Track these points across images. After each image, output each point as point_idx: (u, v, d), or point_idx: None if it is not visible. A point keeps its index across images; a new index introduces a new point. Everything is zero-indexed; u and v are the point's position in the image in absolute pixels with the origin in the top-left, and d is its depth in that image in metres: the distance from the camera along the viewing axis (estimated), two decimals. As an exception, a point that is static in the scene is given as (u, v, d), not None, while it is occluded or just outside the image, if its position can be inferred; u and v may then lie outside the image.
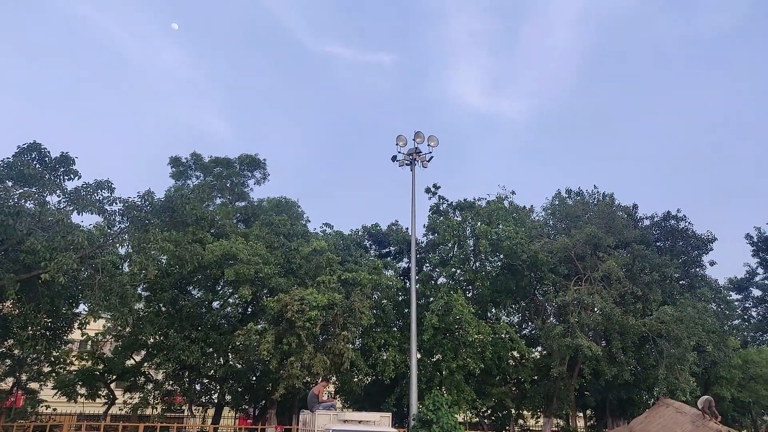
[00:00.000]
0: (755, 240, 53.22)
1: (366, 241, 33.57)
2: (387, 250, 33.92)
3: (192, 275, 27.05)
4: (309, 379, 24.42)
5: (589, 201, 35.39)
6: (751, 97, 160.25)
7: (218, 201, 30.70)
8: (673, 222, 35.21)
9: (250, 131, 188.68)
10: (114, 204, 19.84)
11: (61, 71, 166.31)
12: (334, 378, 27.37)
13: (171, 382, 28.39)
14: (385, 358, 27.66)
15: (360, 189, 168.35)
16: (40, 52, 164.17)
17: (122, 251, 23.30)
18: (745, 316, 50.44)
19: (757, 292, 52.18)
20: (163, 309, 27.30)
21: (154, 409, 30.94)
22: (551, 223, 34.80)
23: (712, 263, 35.58)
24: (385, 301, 29.19)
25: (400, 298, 30.58)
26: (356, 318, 24.58)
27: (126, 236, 20.45)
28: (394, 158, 26.00)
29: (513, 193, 33.49)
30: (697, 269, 35.14)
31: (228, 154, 31.82)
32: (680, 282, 34.42)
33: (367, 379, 29.67)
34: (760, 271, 52.47)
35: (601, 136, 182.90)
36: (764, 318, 51.78)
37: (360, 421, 14.48)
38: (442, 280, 31.43)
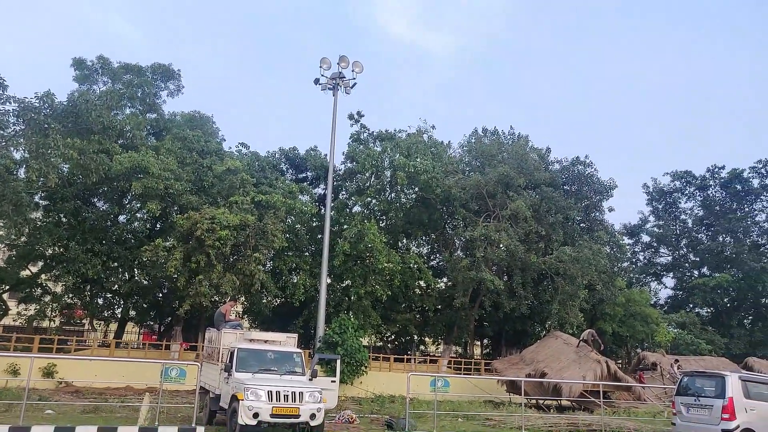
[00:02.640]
0: (651, 190, 57.11)
1: (283, 164, 32.97)
2: (304, 174, 33.55)
3: (97, 186, 25.60)
4: (217, 298, 24.32)
5: (504, 141, 36.34)
6: (677, 51, 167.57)
7: (128, 111, 28.67)
8: (580, 167, 36.89)
9: (164, 38, 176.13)
10: (7, 103, 18.15)
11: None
12: (242, 298, 27.39)
13: (71, 296, 27.32)
14: (295, 281, 27.92)
15: (279, 110, 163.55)
16: None
17: (17, 156, 21.62)
18: (634, 260, 54.73)
19: (646, 238, 56.58)
20: (64, 220, 25.84)
21: (52, 322, 29.84)
22: (467, 160, 35.59)
23: (610, 209, 37.97)
24: (298, 226, 29.14)
25: (314, 224, 30.62)
26: (268, 240, 24.42)
27: (22, 140, 18.90)
28: (316, 81, 25.26)
29: (433, 127, 33.75)
30: (597, 213, 37.40)
31: (140, 62, 29.30)
32: (581, 224, 36.59)
33: (277, 301, 29.96)
34: (651, 218, 56.69)
35: (522, 78, 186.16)
36: (650, 262, 56.49)
37: (266, 341, 14.56)
38: (357, 208, 31.67)
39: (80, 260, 24.07)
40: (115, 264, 26.96)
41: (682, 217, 56.38)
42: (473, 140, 36.35)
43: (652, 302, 45.85)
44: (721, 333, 46.29)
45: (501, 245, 29.82)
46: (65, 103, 20.69)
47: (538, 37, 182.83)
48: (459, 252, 34.04)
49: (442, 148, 33.90)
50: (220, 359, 14.02)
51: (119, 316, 30.28)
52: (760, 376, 16.04)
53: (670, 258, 56.51)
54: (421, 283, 32.38)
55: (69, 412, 13.11)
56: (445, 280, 34.86)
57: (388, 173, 31.02)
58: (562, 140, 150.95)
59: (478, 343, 41.67)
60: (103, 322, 32.91)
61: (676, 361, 26.57)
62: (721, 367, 24.51)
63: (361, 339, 26.81)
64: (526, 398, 20.08)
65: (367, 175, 30.91)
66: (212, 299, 24.01)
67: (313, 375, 13.64)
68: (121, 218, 28.27)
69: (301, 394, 11.99)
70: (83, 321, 31.73)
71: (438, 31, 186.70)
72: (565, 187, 36.30)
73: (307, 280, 27.41)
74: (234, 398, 11.87)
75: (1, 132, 19.23)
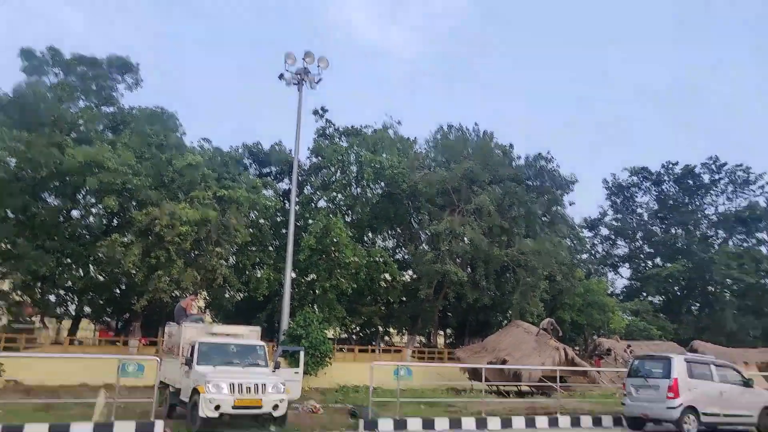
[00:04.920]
0: (610, 185, 58.83)
1: (246, 159, 32.65)
2: (268, 170, 33.31)
3: (47, 181, 24.61)
4: (177, 293, 24.00)
5: (469, 138, 36.81)
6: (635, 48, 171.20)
7: (81, 104, 27.69)
8: (543, 162, 37.61)
9: (118, 29, 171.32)
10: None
11: None
12: (204, 293, 27.08)
13: (20, 293, 26.32)
14: (259, 276, 27.74)
15: (242, 105, 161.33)
16: None
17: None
18: (593, 251, 56.26)
19: (605, 231, 58.23)
20: (11, 215, 24.89)
21: (-1, 320, 28.86)
22: (432, 155, 35.89)
23: (571, 203, 38.97)
24: (262, 220, 28.91)
25: (278, 219, 30.46)
26: (231, 235, 24.18)
27: (-38, 130, 18.19)
28: (281, 76, 24.93)
29: (399, 123, 34.02)
30: (558, 207, 38.27)
31: (95, 54, 28.32)
32: (543, 218, 37.34)
33: (240, 296, 29.73)
34: (610, 212, 58.40)
35: (486, 73, 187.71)
36: (608, 253, 58.15)
37: (228, 334, 14.50)
38: (322, 203, 31.66)
39: (30, 257, 23.10)
40: (69, 260, 26.10)
41: (639, 210, 58.23)
42: (439, 136, 36.66)
43: (609, 292, 47.22)
44: (671, 319, 48.03)
45: (465, 238, 30.21)
46: (11, 95, 19.94)
47: (501, 31, 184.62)
48: (424, 245, 34.35)
49: (408, 144, 34.14)
50: (180, 353, 13.87)
51: (73, 313, 29.46)
52: (703, 357, 16.80)
53: (626, 249, 58.32)
54: (387, 276, 32.56)
55: (18, 410, 12.69)
56: (410, 272, 35.12)
57: (354, 168, 31.08)
58: (527, 135, 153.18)
59: (442, 333, 42.17)
60: (55, 320, 31.97)
61: (629, 346, 27.49)
62: (669, 350, 25.46)
63: (325, 331, 26.84)
64: (487, 384, 20.47)
65: (333, 170, 30.92)
66: (172, 294, 23.66)
67: (276, 367, 13.66)
68: (75, 213, 27.40)
69: (263, 385, 12.01)
70: (33, 319, 30.78)
71: (401, 25, 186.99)
72: (527, 182, 36.95)
73: (271, 274, 27.26)
74: (195, 391, 11.79)
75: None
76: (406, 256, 35.26)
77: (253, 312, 28.66)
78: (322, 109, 32.03)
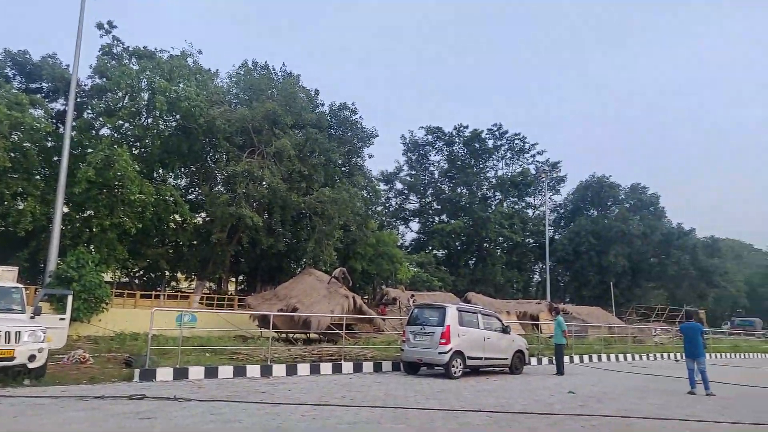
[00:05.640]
0: (407, 141, 62.17)
1: (9, 69, 27.48)
2: (38, 85, 28.45)
3: None
4: None
5: (275, 78, 35.67)
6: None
7: None
8: (347, 113, 38.21)
9: None
10: None
11: None
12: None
13: None
14: (21, 208, 24.03)
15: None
16: None
17: None
18: (387, 204, 59.46)
19: (399, 186, 61.77)
20: None
21: None
22: (234, 92, 34.12)
23: (370, 156, 40.33)
24: (28, 144, 24.78)
25: (49, 144, 26.33)
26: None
27: None
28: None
29: (200, 52, 31.38)
30: (358, 159, 39.38)
31: None
32: (342, 168, 38.12)
33: (-5, 230, 25.53)
34: (405, 168, 61.95)
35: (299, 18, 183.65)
36: (400, 207, 61.99)
37: (-25, 276, 12.32)
38: (105, 131, 28.16)
39: None
40: None
41: (431, 168, 62.81)
42: (242, 72, 34.85)
43: (399, 244, 50.63)
44: (451, 272, 53.44)
45: (264, 182, 29.54)
46: None
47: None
48: (220, 186, 32.89)
49: (208, 76, 31.77)
50: None
51: None
52: (472, 306, 18.80)
53: (417, 205, 62.76)
54: (177, 217, 30.58)
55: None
56: (203, 215, 33.44)
57: (145, 96, 28.00)
58: (338, 85, 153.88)
59: (234, 279, 41.33)
60: None
61: (413, 295, 29.67)
62: (447, 300, 28.07)
63: (103, 274, 24.48)
64: (277, 332, 20.52)
65: (120, 95, 27.50)
66: None
67: (36, 313, 11.98)
68: None
69: (18, 333, 10.47)
70: None
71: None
72: (330, 130, 37.20)
73: (37, 207, 23.70)
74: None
75: None
76: (199, 197, 33.42)
77: (11, 250, 24.75)
78: (109, 23, 28.04)
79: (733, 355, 32.08)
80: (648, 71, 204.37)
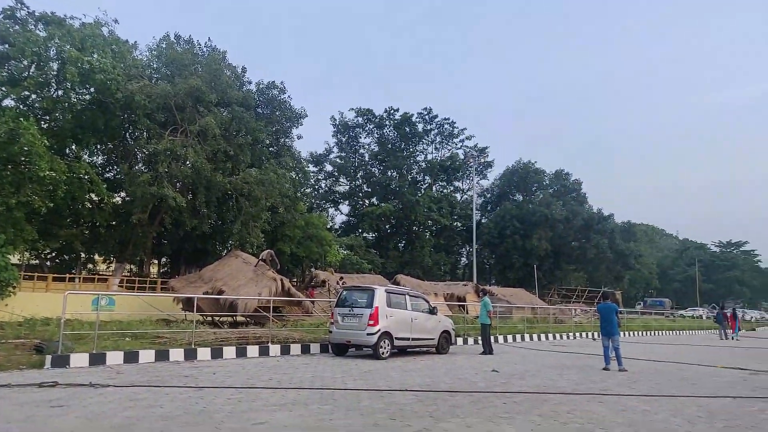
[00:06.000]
0: (337, 123, 61.59)
1: None
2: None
3: None
4: None
5: (199, 53, 34.25)
6: None
7: None
8: (275, 92, 37.36)
9: None
10: None
11: None
12: None
13: None
14: None
15: None
16: None
17: None
18: (316, 186, 58.87)
19: (329, 168, 61.24)
20: None
21: None
22: (155, 66, 32.44)
23: (299, 137, 39.69)
24: None
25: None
26: None
27: None
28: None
29: (116, 21, 29.53)
30: (286, 139, 38.65)
31: None
32: (270, 148, 37.28)
33: None
34: (335, 150, 61.43)
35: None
36: (330, 189, 61.53)
37: None
38: (9, 102, 26.11)
39: None
40: None
41: (361, 151, 62.58)
42: (164, 45, 33.12)
43: (329, 226, 50.28)
44: (381, 254, 53.72)
45: (187, 162, 28.47)
46: None
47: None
48: (140, 165, 31.39)
49: (126, 48, 29.98)
50: None
51: None
52: (401, 288, 18.94)
53: (347, 187, 62.49)
54: (93, 196, 28.95)
55: None
56: (122, 194, 31.81)
57: (54, 66, 26.17)
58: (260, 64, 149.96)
59: (156, 261, 39.74)
60: None
61: (342, 278, 29.60)
62: (376, 282, 28.19)
63: (9, 256, 22.84)
64: (202, 315, 19.89)
65: (26, 63, 25.50)
66: None
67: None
68: None
69: None
70: None
71: None
72: (258, 109, 36.27)
73: (-72, 184, 21.76)
74: None
75: None
76: (118, 175, 31.77)
77: None
78: (11, -15, 25.84)
79: (644, 333, 34.11)
80: (576, 62, 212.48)
